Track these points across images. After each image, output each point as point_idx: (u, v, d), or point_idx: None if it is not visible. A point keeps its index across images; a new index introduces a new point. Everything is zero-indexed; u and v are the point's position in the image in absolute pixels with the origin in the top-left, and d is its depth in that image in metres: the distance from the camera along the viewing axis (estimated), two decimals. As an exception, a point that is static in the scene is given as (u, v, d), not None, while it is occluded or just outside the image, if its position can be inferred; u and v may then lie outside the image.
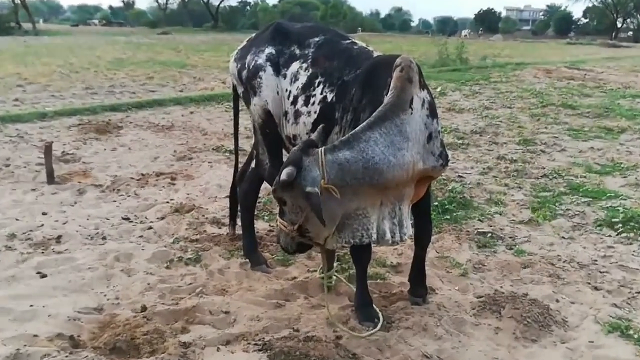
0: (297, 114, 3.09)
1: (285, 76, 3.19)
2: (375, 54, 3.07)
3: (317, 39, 3.21)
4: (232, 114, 4.03)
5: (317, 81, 3.05)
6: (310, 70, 3.10)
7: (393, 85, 2.63)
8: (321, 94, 3.01)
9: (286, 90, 3.17)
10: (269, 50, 3.25)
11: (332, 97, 2.97)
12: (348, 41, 3.19)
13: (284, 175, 2.46)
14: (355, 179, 2.52)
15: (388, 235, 2.68)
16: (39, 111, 8.34)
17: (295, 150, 2.57)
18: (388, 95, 2.62)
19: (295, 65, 3.17)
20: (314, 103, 3.03)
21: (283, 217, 2.67)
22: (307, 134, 3.01)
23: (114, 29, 59.35)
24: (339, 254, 3.78)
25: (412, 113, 2.63)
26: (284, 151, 3.36)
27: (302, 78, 3.11)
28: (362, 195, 2.58)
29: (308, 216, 2.53)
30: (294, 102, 3.11)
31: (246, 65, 3.32)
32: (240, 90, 3.50)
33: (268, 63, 3.23)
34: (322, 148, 2.54)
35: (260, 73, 3.23)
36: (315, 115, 3.01)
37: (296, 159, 2.50)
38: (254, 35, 3.52)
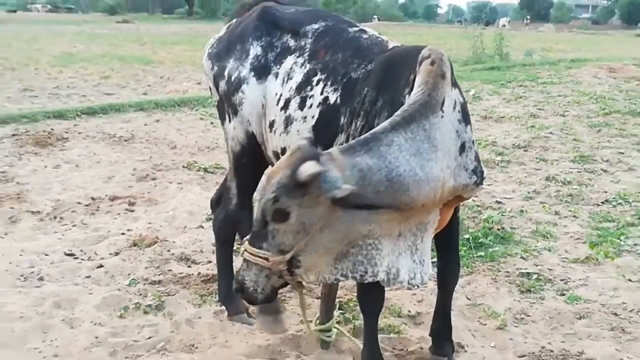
0: (289, 121, 3.10)
1: (277, 75, 3.21)
2: (391, 44, 3.11)
3: (316, 26, 3.24)
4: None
5: (316, 79, 3.07)
6: (308, 65, 3.13)
7: (422, 80, 2.65)
8: (321, 94, 3.03)
9: (276, 94, 3.19)
10: (255, 50, 3.28)
11: (336, 99, 2.99)
12: (355, 29, 3.24)
13: (305, 170, 2.35)
14: (377, 194, 2.48)
15: (403, 277, 2.65)
16: (-37, 118, 8.42)
17: (300, 146, 2.50)
18: (416, 92, 2.64)
19: (289, 61, 3.20)
20: (311, 106, 3.05)
21: (262, 245, 2.53)
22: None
23: (61, 15, 60.23)
24: (341, 299, 3.79)
25: (443, 116, 2.65)
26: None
27: (298, 76, 3.13)
28: (378, 218, 2.53)
29: (312, 238, 2.45)
30: (285, 107, 3.13)
31: (226, 74, 3.36)
32: (214, 98, 3.54)
33: (252, 73, 3.27)
34: (336, 148, 2.54)
35: (244, 87, 3.28)
36: (314, 121, 3.02)
37: (311, 152, 2.44)
38: (234, 22, 3.57)
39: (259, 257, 2.52)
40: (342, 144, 2.91)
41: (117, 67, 14.93)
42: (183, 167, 6.85)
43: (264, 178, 2.51)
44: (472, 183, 2.82)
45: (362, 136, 2.60)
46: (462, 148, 2.76)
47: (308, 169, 2.34)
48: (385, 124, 2.58)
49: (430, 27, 55.73)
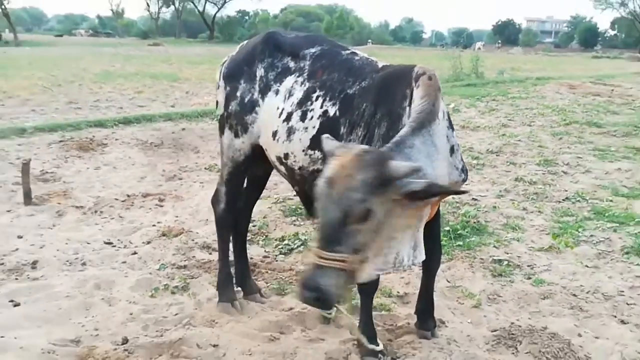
0: (291, 131, 3.06)
1: (277, 92, 3.18)
2: (380, 64, 3.09)
3: (313, 50, 3.22)
4: None
5: (315, 95, 3.05)
6: (307, 84, 3.10)
7: (424, 93, 2.64)
8: (321, 107, 3.00)
9: (278, 108, 3.15)
10: (260, 72, 3.26)
11: (335, 111, 2.96)
12: (348, 51, 3.22)
13: (401, 168, 2.21)
14: None
15: (406, 261, 2.59)
16: (17, 127, 8.42)
17: (368, 149, 2.38)
18: (420, 103, 2.62)
19: (289, 80, 3.17)
20: (312, 118, 3.02)
21: (337, 248, 2.20)
22: (303, 150, 3.02)
23: (101, 39, 60.32)
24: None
25: (439, 124, 2.66)
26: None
27: (298, 93, 3.10)
28: (407, 213, 2.42)
29: (382, 234, 2.30)
30: (288, 119, 3.09)
31: (238, 95, 3.31)
32: (219, 111, 3.45)
33: (259, 95, 3.25)
34: (383, 149, 2.45)
35: (257, 109, 3.26)
36: (315, 131, 2.98)
37: (384, 153, 2.34)
38: (245, 43, 3.56)
39: (337, 260, 2.21)
40: None
41: (149, 84, 14.94)
42: (205, 168, 6.86)
43: (325, 183, 2.24)
44: (461, 180, 2.86)
45: (392, 140, 2.51)
46: (452, 150, 2.79)
47: (403, 166, 2.24)
48: (406, 128, 2.54)
49: (416, 50, 55.68)
